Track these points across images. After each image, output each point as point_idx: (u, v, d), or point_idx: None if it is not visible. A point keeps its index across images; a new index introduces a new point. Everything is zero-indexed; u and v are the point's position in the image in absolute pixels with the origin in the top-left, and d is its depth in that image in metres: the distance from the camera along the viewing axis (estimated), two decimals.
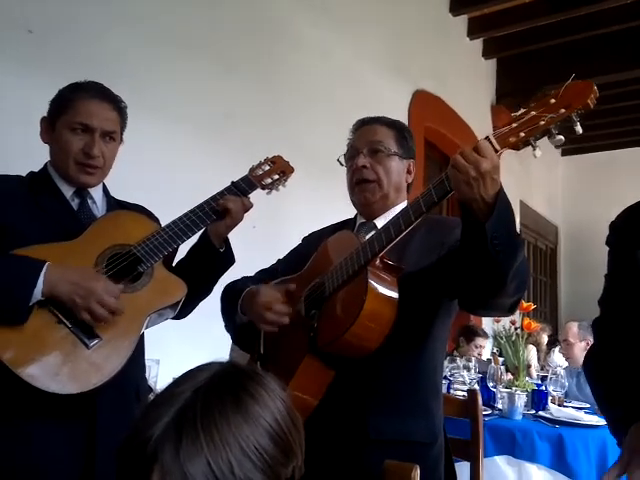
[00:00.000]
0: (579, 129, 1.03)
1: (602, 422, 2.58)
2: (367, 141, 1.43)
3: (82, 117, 1.36)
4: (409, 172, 1.48)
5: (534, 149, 1.06)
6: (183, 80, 2.52)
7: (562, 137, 1.04)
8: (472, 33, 5.00)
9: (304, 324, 1.31)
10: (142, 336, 1.41)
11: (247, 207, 1.50)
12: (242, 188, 1.52)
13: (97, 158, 1.38)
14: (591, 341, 3.52)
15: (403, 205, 1.45)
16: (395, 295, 1.19)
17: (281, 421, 0.69)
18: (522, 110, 1.07)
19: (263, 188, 1.59)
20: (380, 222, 1.42)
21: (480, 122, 5.27)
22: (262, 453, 0.66)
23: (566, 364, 3.73)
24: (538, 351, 4.18)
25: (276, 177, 1.61)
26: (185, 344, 2.03)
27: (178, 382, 0.70)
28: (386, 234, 1.17)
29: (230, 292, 1.49)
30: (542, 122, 1.02)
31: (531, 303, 3.09)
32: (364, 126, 1.48)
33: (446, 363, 2.86)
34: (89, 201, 1.43)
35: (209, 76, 2.64)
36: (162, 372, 1.99)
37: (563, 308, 7.63)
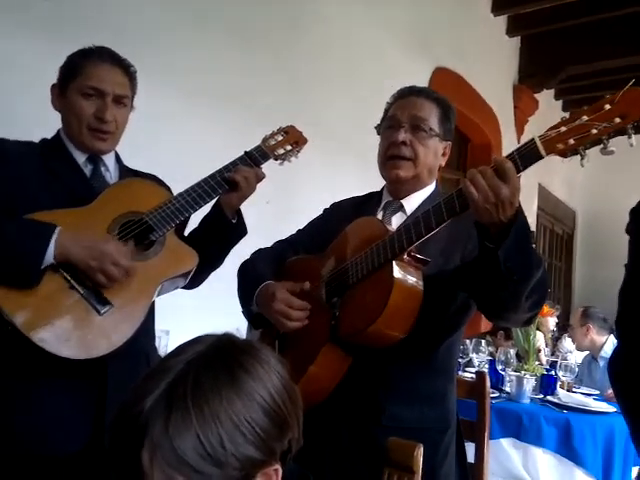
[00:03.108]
0: (633, 142, 0.96)
1: (611, 409, 2.58)
2: (411, 115, 1.36)
3: (93, 81, 1.35)
4: (444, 154, 1.42)
5: (582, 158, 1.00)
6: (199, 49, 2.50)
7: (614, 149, 0.97)
8: (496, 9, 4.87)
9: (325, 310, 1.29)
10: (153, 304, 1.42)
11: (260, 178, 1.48)
12: (255, 158, 1.51)
13: (110, 123, 1.37)
14: (591, 327, 3.57)
15: (432, 187, 1.42)
16: (420, 288, 1.17)
17: (276, 395, 0.69)
18: (572, 112, 1.01)
19: (276, 159, 1.57)
20: (407, 202, 1.40)
21: (501, 102, 5.18)
22: (255, 427, 0.66)
23: (575, 349, 3.74)
24: (544, 335, 4.15)
25: (289, 148, 1.59)
26: (195, 315, 2.05)
27: (172, 354, 0.70)
28: (416, 230, 1.14)
29: (246, 276, 1.47)
30: (594, 131, 0.96)
31: None
32: (410, 97, 1.40)
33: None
34: (102, 168, 1.43)
35: (226, 46, 2.61)
36: (172, 343, 2.02)
37: (577, 294, 7.58)
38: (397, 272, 1.16)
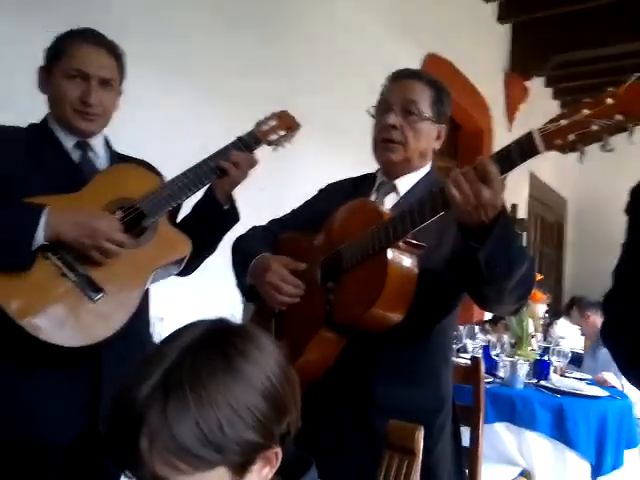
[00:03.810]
0: (632, 139, 0.92)
1: (603, 393, 2.61)
2: (402, 98, 1.36)
3: (78, 63, 1.32)
4: (439, 137, 1.41)
5: (581, 155, 0.97)
6: (188, 32, 2.46)
7: (614, 147, 0.94)
8: None
9: (320, 293, 1.30)
10: (147, 292, 1.40)
11: (252, 163, 1.47)
12: (247, 144, 1.49)
13: (95, 106, 1.35)
14: (589, 313, 3.64)
15: (426, 169, 1.42)
16: (415, 272, 1.18)
17: (273, 378, 0.69)
18: (573, 105, 0.96)
19: (269, 144, 1.55)
20: (400, 183, 1.40)
21: (492, 89, 5.18)
22: (253, 411, 0.66)
23: (567, 335, 3.80)
24: (534, 321, 4.21)
25: (282, 133, 1.57)
26: (189, 302, 2.04)
27: (167, 341, 0.70)
28: (411, 218, 1.14)
29: (241, 249, 1.47)
30: (595, 127, 0.93)
31: (537, 273, 3.08)
32: (402, 79, 1.39)
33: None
34: (90, 153, 1.41)
35: (210, 28, 2.57)
36: (166, 330, 2.00)
37: (567, 280, 7.64)
38: (392, 258, 1.16)
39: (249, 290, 1.40)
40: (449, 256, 1.22)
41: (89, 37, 1.36)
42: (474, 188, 1.01)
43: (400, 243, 1.17)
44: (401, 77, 1.40)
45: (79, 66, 1.33)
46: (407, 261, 1.18)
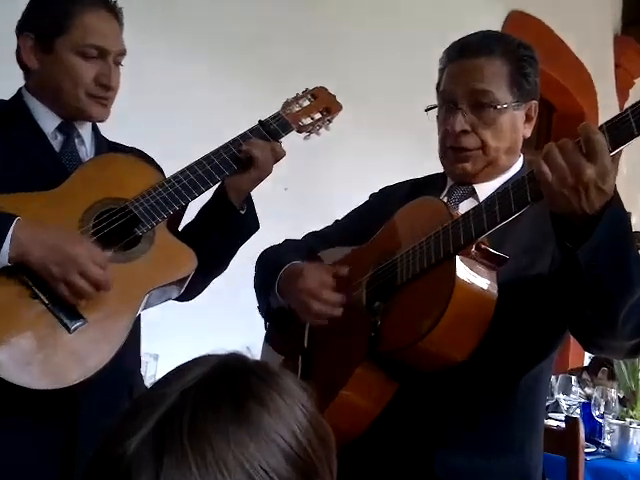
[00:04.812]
0: None
1: None
2: (469, 89, 1.30)
3: (95, 38, 1.37)
4: (529, 119, 1.37)
5: None
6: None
7: None
8: None
9: (363, 318, 1.30)
10: (138, 320, 1.43)
11: (278, 155, 1.49)
12: (273, 130, 1.51)
13: (113, 89, 1.40)
14: None
15: (517, 167, 1.39)
16: (493, 294, 1.16)
17: (300, 435, 0.68)
18: None
19: (300, 131, 1.58)
20: (480, 187, 1.37)
21: (599, 58, 5.13)
22: (273, 477, 0.65)
23: None
24: None
25: (318, 116, 1.59)
26: (191, 335, 2.07)
27: (163, 382, 0.69)
28: (489, 215, 1.13)
29: (267, 261, 1.49)
30: None
31: None
32: (465, 59, 1.32)
33: None
34: (76, 140, 1.45)
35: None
36: (162, 370, 2.04)
37: None
38: (461, 270, 1.15)
39: (274, 319, 1.42)
40: (546, 276, 1.21)
41: (99, 1, 1.39)
42: (572, 162, 0.99)
43: (473, 250, 1.16)
44: (464, 55, 1.34)
45: (97, 42, 1.37)
46: (481, 275, 1.17)
